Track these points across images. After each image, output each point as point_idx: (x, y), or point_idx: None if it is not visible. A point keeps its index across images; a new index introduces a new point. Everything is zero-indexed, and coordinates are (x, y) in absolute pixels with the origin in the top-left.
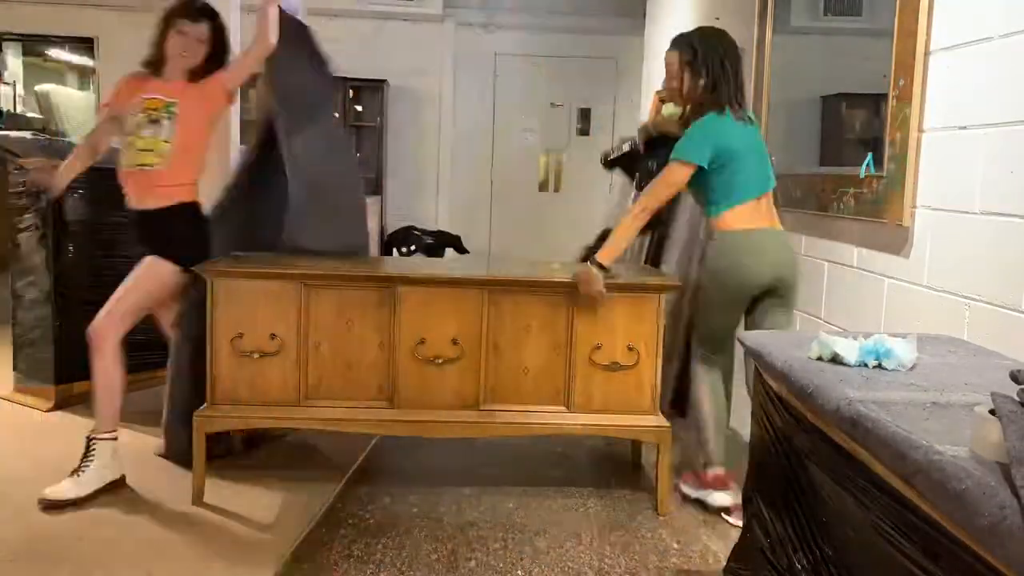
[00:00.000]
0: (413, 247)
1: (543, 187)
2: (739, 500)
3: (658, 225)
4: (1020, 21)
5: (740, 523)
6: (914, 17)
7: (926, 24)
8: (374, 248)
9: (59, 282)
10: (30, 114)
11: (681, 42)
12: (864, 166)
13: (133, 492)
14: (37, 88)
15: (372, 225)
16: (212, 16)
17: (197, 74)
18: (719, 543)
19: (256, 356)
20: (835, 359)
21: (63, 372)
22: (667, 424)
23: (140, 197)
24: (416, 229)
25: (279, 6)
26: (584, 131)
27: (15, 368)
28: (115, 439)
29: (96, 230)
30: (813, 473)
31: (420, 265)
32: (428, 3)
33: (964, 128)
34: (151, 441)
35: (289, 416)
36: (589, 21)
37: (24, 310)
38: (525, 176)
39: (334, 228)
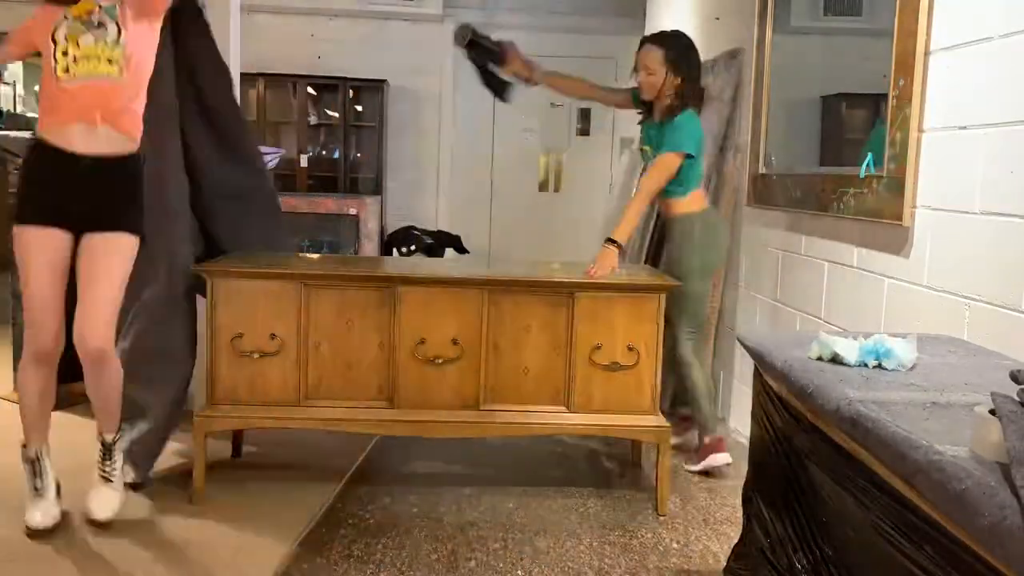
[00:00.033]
0: (413, 247)
1: (543, 187)
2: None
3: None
4: (1020, 21)
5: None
6: (914, 17)
7: (926, 24)
8: (374, 248)
9: None
10: (30, 114)
11: (663, 41)
12: (864, 166)
13: (133, 492)
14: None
15: (372, 225)
16: None
17: None
18: (719, 543)
19: (256, 356)
20: (835, 359)
21: (63, 372)
22: (667, 424)
23: (90, 132)
24: (416, 229)
25: None
26: (584, 131)
27: (15, 368)
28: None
29: None
30: (813, 473)
31: (420, 265)
32: (428, 3)
33: (964, 128)
34: None
35: (289, 416)
36: (589, 21)
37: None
38: (525, 176)
39: (250, 227)
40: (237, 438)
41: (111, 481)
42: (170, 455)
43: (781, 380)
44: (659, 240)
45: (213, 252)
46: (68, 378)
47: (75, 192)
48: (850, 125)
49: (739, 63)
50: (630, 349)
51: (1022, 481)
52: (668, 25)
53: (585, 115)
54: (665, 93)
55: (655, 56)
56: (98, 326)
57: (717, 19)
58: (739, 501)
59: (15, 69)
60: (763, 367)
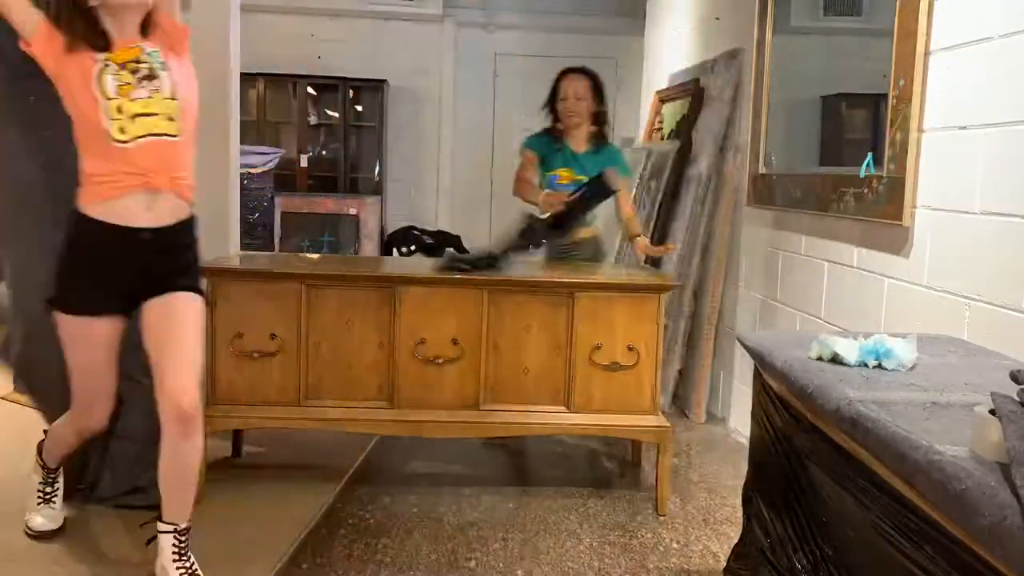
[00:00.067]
0: (413, 247)
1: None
2: None
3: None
4: (1020, 21)
5: None
6: (914, 17)
7: (926, 24)
8: (374, 248)
9: None
10: None
11: (587, 71)
12: (864, 166)
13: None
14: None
15: (372, 225)
16: None
17: (147, 24)
18: (719, 543)
19: (256, 356)
20: (835, 359)
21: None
22: (667, 424)
23: (152, 201)
24: (416, 229)
25: None
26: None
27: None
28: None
29: None
30: (813, 473)
31: (420, 265)
32: (428, 3)
33: (964, 128)
34: None
35: (289, 416)
36: (589, 21)
37: None
38: None
39: None
40: (237, 438)
41: None
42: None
43: (781, 380)
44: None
45: None
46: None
47: (134, 271)
48: (850, 125)
49: (739, 63)
50: (630, 349)
51: (1022, 481)
52: (668, 25)
53: None
54: (587, 121)
55: (585, 84)
56: (192, 387)
57: (717, 19)
58: (739, 501)
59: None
60: (763, 367)
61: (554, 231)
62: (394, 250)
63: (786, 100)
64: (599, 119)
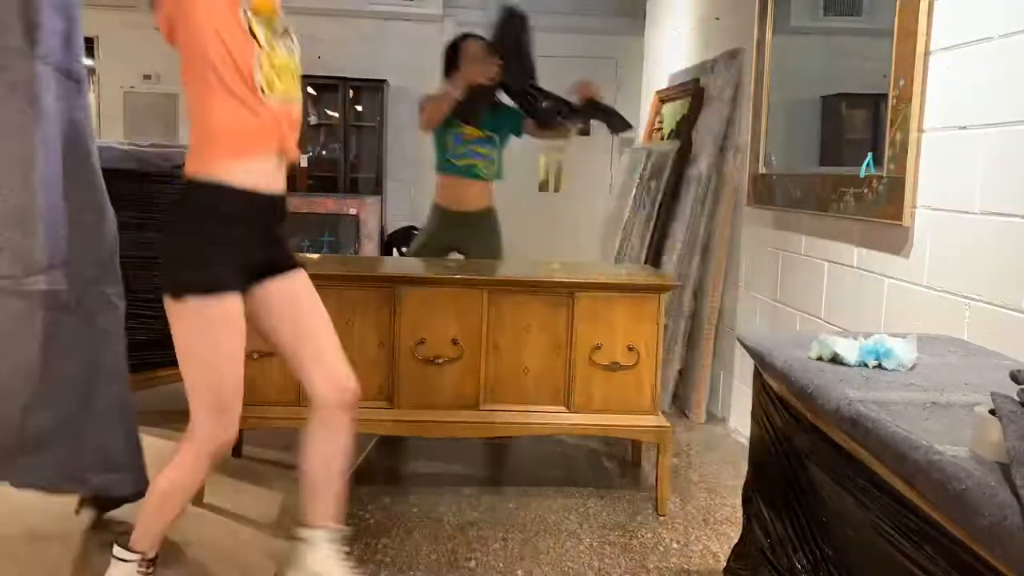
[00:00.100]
0: None
1: (543, 187)
2: None
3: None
4: (1020, 21)
5: None
6: (914, 17)
7: (926, 24)
8: (374, 248)
9: None
10: None
11: (483, 38)
12: (864, 166)
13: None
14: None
15: (372, 225)
16: None
17: None
18: (719, 543)
19: (256, 356)
20: (835, 359)
21: None
22: (667, 424)
23: (279, 166)
24: (416, 229)
25: None
26: (584, 131)
27: None
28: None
29: None
30: (813, 473)
31: (420, 265)
32: (428, 3)
33: (964, 128)
34: (151, 441)
35: (289, 416)
36: (589, 21)
37: None
38: (525, 176)
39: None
40: (237, 438)
41: None
42: (170, 455)
43: (781, 380)
44: (659, 240)
45: None
46: None
47: (262, 242)
48: (850, 125)
49: (739, 63)
50: (630, 349)
51: (1022, 481)
52: (668, 25)
53: None
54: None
55: (483, 46)
56: (351, 371)
57: (717, 19)
58: (739, 501)
59: None
60: (763, 367)
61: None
62: (394, 250)
63: (786, 100)
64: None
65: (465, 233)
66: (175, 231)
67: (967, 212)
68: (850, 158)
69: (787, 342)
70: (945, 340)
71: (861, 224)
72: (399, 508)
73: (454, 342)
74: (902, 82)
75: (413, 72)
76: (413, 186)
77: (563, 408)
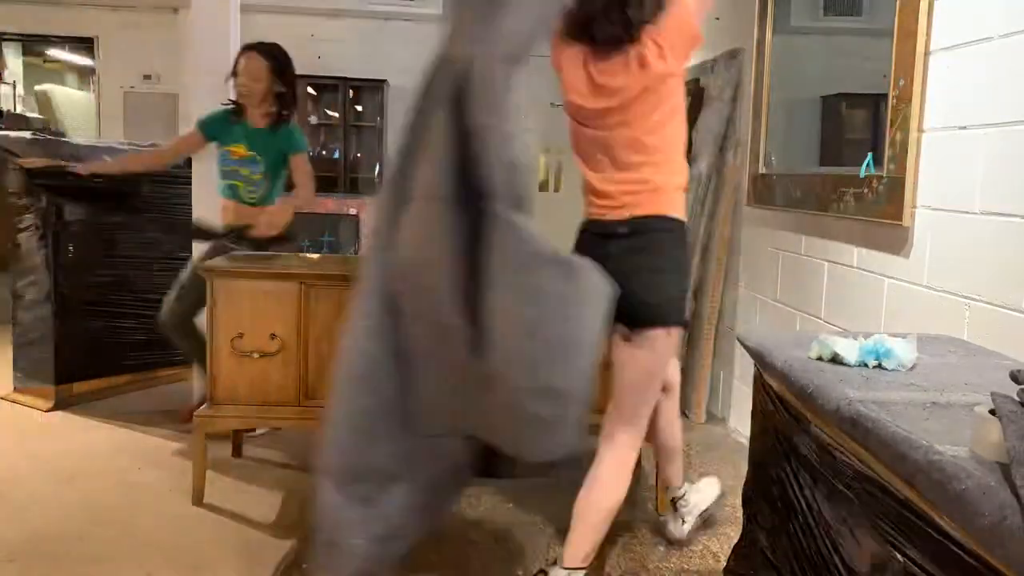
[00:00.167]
0: None
1: (543, 187)
2: None
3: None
4: (1020, 21)
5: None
6: (914, 17)
7: (926, 24)
8: None
9: (59, 282)
10: (30, 114)
11: (268, 52)
12: (864, 166)
13: (134, 492)
14: (37, 88)
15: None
16: None
17: None
18: (719, 543)
19: (256, 356)
20: (835, 359)
21: (63, 372)
22: None
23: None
24: None
25: None
26: None
27: (15, 368)
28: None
29: (96, 230)
30: (813, 473)
31: None
32: (428, 3)
33: (964, 128)
34: (152, 441)
35: (289, 416)
36: None
37: (24, 310)
38: None
39: None
40: (237, 438)
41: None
42: (170, 455)
43: (781, 380)
44: None
45: None
46: (64, 379)
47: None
48: (850, 125)
49: (739, 63)
50: None
51: (1022, 481)
52: None
53: None
54: (267, 101)
55: (260, 65)
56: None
57: (717, 19)
58: (739, 501)
59: (15, 68)
60: (763, 367)
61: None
62: None
63: (786, 100)
64: (282, 100)
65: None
66: (679, 269)
67: (967, 212)
68: (850, 158)
69: (787, 342)
70: (945, 340)
71: (861, 224)
72: None
73: None
74: (902, 82)
75: (413, 72)
76: None
77: None
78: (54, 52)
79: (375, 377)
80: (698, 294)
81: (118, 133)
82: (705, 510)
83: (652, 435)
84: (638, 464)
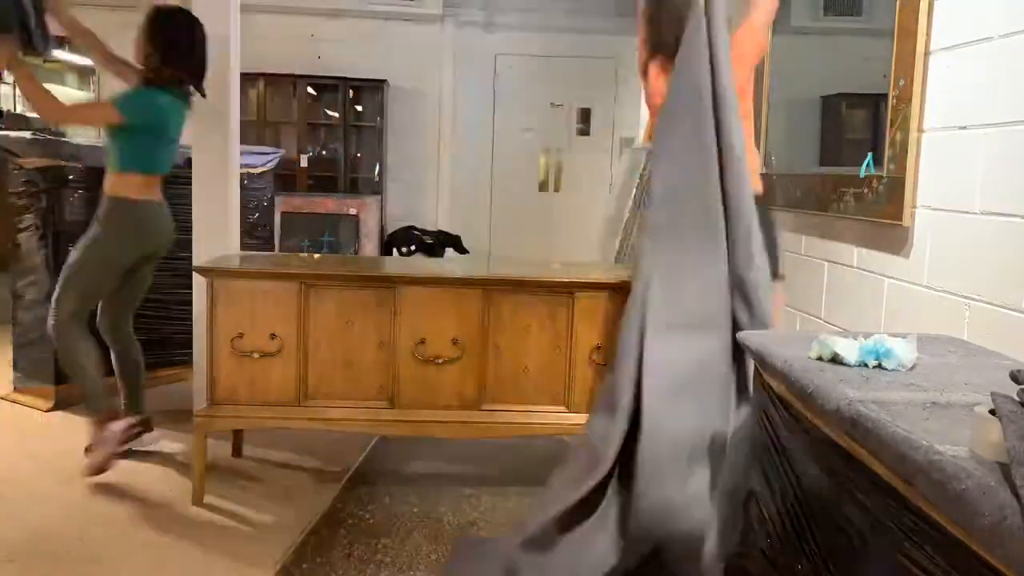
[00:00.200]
0: (413, 247)
1: (543, 187)
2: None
3: None
4: (1020, 21)
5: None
6: (914, 17)
7: (926, 24)
8: (374, 248)
9: None
10: (30, 114)
11: (151, 13)
12: (864, 166)
13: (134, 492)
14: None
15: (372, 225)
16: None
17: None
18: None
19: (256, 356)
20: (835, 359)
21: (63, 372)
22: None
23: None
24: (416, 229)
25: None
26: (584, 131)
27: (15, 368)
28: None
29: None
30: (813, 473)
31: (420, 265)
32: (428, 3)
33: (964, 128)
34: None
35: (289, 416)
36: (589, 21)
37: (24, 310)
38: (525, 176)
39: None
40: (237, 438)
41: None
42: (170, 455)
43: (781, 380)
44: None
45: None
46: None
47: None
48: (850, 125)
49: None
50: None
51: (1022, 481)
52: None
53: (585, 115)
54: (140, 63)
55: (142, 25)
56: None
57: None
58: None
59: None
60: (763, 367)
61: None
62: (394, 250)
63: (786, 100)
64: (147, 62)
65: None
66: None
67: (967, 212)
68: (850, 158)
69: (787, 342)
70: (945, 340)
71: (861, 224)
72: (399, 508)
73: (454, 342)
74: (902, 82)
75: (413, 72)
76: (413, 186)
77: (563, 408)
78: (54, 52)
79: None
80: None
81: None
82: None
83: None
84: None
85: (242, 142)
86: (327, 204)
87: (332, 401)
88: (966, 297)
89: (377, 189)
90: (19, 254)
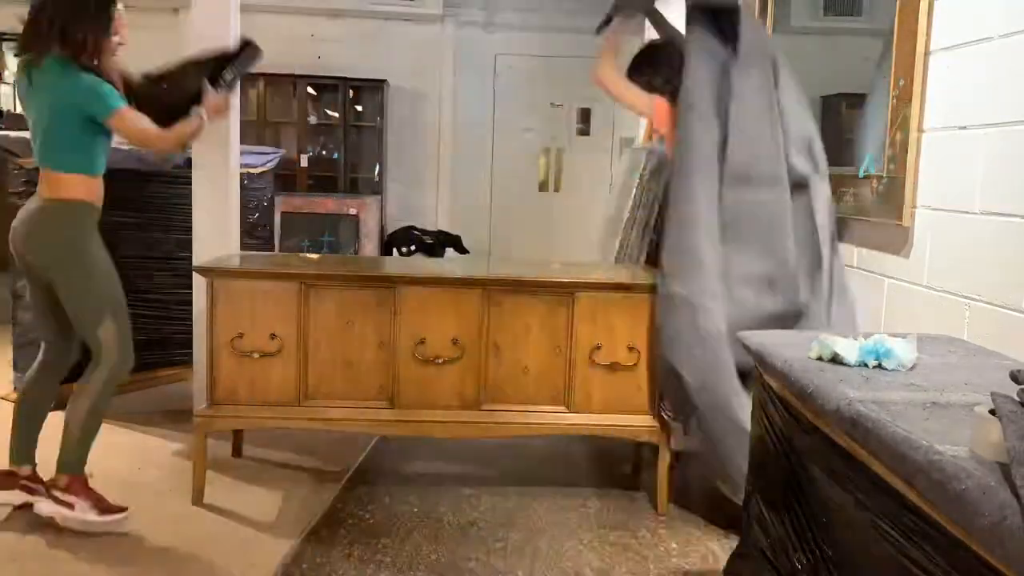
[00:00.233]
0: (413, 247)
1: (543, 187)
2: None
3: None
4: (1020, 21)
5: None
6: (914, 17)
7: (926, 24)
8: (374, 248)
9: None
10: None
11: None
12: (864, 166)
13: (134, 492)
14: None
15: (372, 225)
16: None
17: None
18: (719, 544)
19: (256, 356)
20: (835, 359)
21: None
22: (667, 424)
23: None
24: (416, 229)
25: None
26: (584, 131)
27: (15, 368)
28: None
29: None
30: (813, 473)
31: (420, 265)
32: (428, 3)
33: (964, 128)
34: (151, 441)
35: (289, 416)
36: (589, 21)
37: (24, 310)
38: (525, 176)
39: None
40: (237, 438)
41: None
42: (170, 455)
43: (781, 380)
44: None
45: None
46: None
47: None
48: (850, 125)
49: None
50: (630, 349)
51: (1022, 481)
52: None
53: (585, 115)
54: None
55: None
56: None
57: None
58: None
59: (15, 68)
60: (763, 367)
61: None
62: (394, 250)
63: None
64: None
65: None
66: None
67: (967, 212)
68: (850, 158)
69: (787, 342)
70: (945, 340)
71: (861, 224)
72: (399, 508)
73: (454, 342)
74: (902, 82)
75: (413, 72)
76: (413, 186)
77: (563, 408)
78: None
79: None
80: None
81: None
82: None
83: None
84: (637, 465)
85: (242, 142)
86: (327, 204)
87: (332, 401)
88: (966, 297)
89: (377, 189)
90: None
